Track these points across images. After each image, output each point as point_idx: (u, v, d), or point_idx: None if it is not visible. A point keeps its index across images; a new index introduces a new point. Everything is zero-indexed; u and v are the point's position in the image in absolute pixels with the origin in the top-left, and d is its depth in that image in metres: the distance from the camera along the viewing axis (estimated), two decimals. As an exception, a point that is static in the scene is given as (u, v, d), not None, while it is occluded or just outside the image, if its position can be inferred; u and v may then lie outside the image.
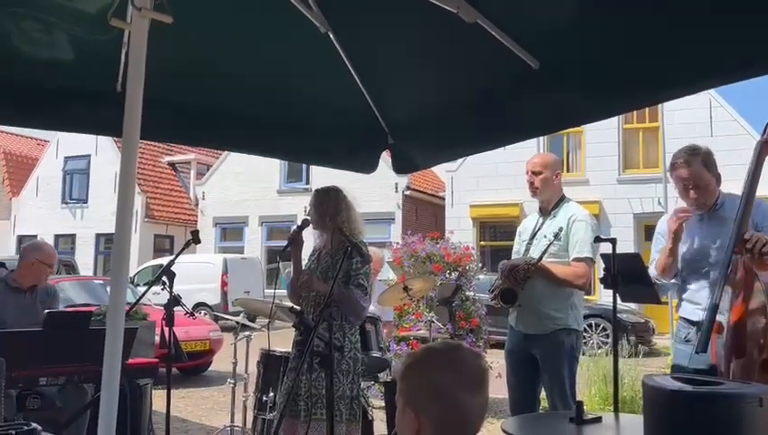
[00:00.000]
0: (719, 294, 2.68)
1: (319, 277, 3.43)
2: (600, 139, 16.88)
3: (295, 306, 3.54)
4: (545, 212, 3.66)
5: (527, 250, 3.59)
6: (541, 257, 3.42)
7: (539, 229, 3.61)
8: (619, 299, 2.93)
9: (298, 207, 19.55)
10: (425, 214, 20.70)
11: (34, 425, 2.12)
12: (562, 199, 3.65)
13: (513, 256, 3.75)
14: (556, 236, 3.46)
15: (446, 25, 2.57)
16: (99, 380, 2.83)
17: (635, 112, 16.00)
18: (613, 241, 2.89)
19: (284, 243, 3.51)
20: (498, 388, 3.91)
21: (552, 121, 2.85)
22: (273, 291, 3.81)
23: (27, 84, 2.91)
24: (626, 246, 13.69)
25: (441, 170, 19.85)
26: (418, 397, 1.35)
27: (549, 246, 3.44)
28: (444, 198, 19.48)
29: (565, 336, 3.44)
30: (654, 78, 2.22)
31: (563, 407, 3.37)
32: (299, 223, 3.56)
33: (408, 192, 19.80)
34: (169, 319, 3.44)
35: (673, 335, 8.47)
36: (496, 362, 3.88)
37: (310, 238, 3.59)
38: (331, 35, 2.88)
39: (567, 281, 3.44)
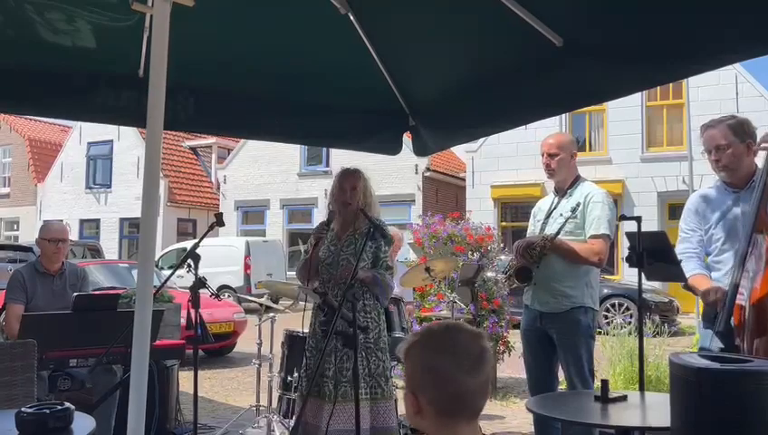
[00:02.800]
0: (739, 274, 2.64)
1: (350, 261, 3.42)
2: (622, 116, 16.61)
3: (318, 288, 3.56)
4: (561, 192, 3.64)
5: (542, 230, 3.58)
6: (558, 232, 3.42)
7: (554, 209, 3.61)
8: (644, 278, 2.90)
9: (318, 190, 19.62)
10: (445, 195, 20.64)
11: (68, 404, 2.17)
12: (578, 179, 3.63)
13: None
14: (574, 210, 3.44)
15: (467, 4, 2.54)
16: (127, 361, 2.88)
17: (658, 89, 15.71)
18: (638, 219, 2.85)
19: (305, 226, 3.54)
20: (521, 367, 3.92)
21: (575, 99, 2.82)
22: (295, 273, 3.83)
23: (51, 74, 2.94)
24: (650, 225, 13.51)
25: (461, 151, 19.74)
26: (417, 380, 1.38)
27: (566, 221, 3.43)
28: (464, 179, 19.39)
29: (582, 315, 3.42)
30: (679, 52, 2.18)
31: (582, 385, 3.38)
32: (327, 215, 3.56)
33: (427, 173, 19.74)
34: (195, 301, 3.47)
35: (698, 316, 8.37)
36: (518, 342, 3.88)
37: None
38: (351, 17, 2.86)
39: (584, 257, 3.43)
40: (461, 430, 1.36)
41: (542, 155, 3.62)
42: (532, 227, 3.76)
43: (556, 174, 3.60)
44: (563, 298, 3.44)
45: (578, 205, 3.46)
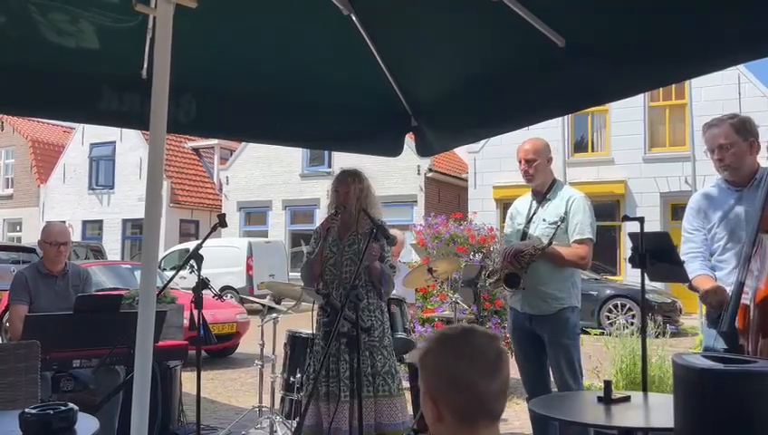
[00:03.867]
0: (744, 274, 2.64)
1: (354, 260, 3.49)
2: (625, 117, 16.59)
3: (321, 289, 3.57)
4: (539, 196, 3.68)
5: (525, 234, 3.63)
6: (550, 242, 3.45)
7: (534, 213, 3.64)
8: (647, 278, 2.90)
9: (321, 190, 19.61)
10: (447, 196, 20.64)
11: (71, 405, 2.18)
12: (554, 183, 3.69)
13: (505, 240, 3.78)
14: (562, 220, 3.49)
15: (470, 5, 2.54)
16: (130, 362, 2.89)
17: (661, 90, 15.67)
18: (641, 220, 2.85)
19: (308, 226, 3.56)
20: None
21: (578, 100, 2.82)
22: (298, 274, 3.83)
23: (54, 76, 2.94)
24: (652, 226, 13.42)
25: (463, 152, 19.74)
26: (435, 386, 1.37)
27: (556, 229, 3.46)
28: (466, 180, 19.38)
29: (570, 314, 3.51)
30: (682, 53, 2.18)
31: (575, 384, 3.45)
32: (335, 209, 3.58)
33: (430, 174, 19.74)
34: (198, 302, 3.48)
35: (702, 316, 8.37)
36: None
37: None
38: (354, 18, 2.86)
39: (572, 262, 3.51)
40: (481, 434, 1.35)
41: (520, 162, 3.65)
42: (510, 229, 3.81)
43: (534, 179, 3.65)
44: (553, 300, 3.51)
45: (565, 213, 3.52)
